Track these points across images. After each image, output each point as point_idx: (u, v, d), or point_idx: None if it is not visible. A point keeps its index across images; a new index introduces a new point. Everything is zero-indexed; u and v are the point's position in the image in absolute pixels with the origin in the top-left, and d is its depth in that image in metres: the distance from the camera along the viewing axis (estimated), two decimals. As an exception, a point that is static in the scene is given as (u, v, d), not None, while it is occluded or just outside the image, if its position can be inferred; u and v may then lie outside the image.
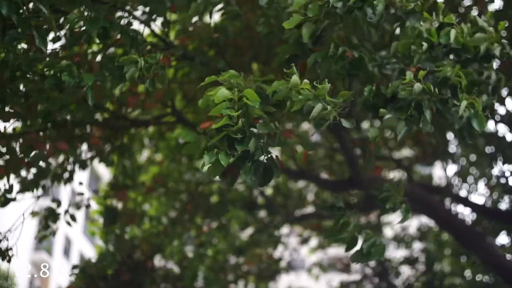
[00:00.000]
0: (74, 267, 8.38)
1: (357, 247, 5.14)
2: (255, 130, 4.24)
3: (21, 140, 6.56)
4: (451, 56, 5.12)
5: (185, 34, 7.60)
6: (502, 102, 8.61)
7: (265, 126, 4.30)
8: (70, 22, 5.28)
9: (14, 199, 6.79)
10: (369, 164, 6.55)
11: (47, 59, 5.66)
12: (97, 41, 5.78)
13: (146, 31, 7.00)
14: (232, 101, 4.21)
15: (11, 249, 6.27)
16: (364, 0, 4.73)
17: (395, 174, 12.50)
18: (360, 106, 5.09)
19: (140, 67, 5.15)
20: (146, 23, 6.55)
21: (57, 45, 5.96)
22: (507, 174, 10.24)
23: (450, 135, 10.85)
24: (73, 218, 8.05)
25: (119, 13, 6.20)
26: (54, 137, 6.78)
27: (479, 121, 4.75)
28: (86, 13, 5.58)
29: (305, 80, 4.33)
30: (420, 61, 4.98)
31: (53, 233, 8.15)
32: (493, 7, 8.15)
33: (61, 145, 6.75)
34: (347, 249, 5.17)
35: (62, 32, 6.20)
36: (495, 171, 10.36)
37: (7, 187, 6.62)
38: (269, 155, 4.33)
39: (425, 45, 4.91)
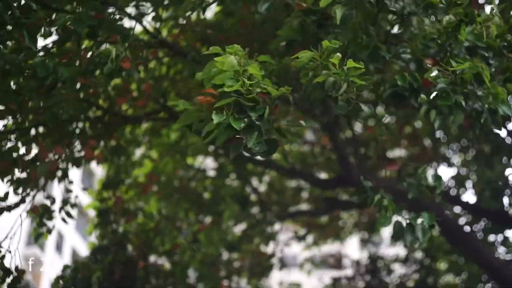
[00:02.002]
0: (65, 267, 8.25)
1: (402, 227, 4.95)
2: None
3: (12, 138, 6.54)
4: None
5: (178, 29, 7.58)
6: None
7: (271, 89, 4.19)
8: (59, 22, 5.25)
9: (9, 209, 6.77)
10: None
11: (40, 54, 5.65)
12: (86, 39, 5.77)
13: (139, 28, 6.99)
14: (237, 72, 4.08)
15: (23, 271, 6.26)
16: None
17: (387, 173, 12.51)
18: (387, 95, 4.94)
19: (111, 58, 5.09)
20: (138, 19, 6.52)
21: (49, 40, 5.95)
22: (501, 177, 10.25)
23: (449, 138, 10.89)
24: (69, 215, 8.02)
25: (110, 9, 6.18)
26: (45, 134, 6.76)
27: (507, 105, 4.76)
28: (77, 10, 5.57)
29: (338, 54, 4.20)
30: (440, 55, 4.93)
31: (50, 231, 8.09)
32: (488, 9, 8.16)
33: (57, 149, 6.73)
34: (395, 237, 5.00)
35: (53, 29, 6.20)
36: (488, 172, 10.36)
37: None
38: (273, 125, 4.19)
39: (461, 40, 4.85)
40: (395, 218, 4.93)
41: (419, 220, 4.93)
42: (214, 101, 4.10)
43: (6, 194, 6.66)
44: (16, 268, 6.25)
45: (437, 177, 5.25)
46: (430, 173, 5.25)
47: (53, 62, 5.44)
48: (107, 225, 9.60)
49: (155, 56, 5.59)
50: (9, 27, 4.82)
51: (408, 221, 4.92)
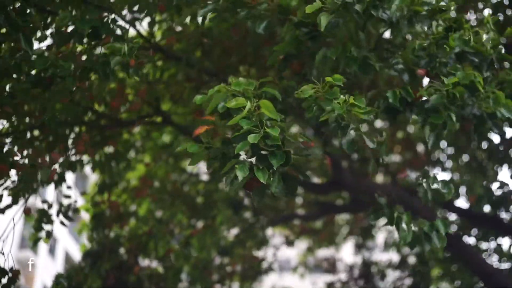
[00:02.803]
0: (59, 276, 8.19)
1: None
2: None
3: (8, 141, 6.54)
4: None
5: (172, 33, 7.59)
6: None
7: (293, 138, 4.24)
8: (59, 22, 5.24)
9: (2, 211, 6.76)
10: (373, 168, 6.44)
11: (35, 57, 5.65)
12: (86, 40, 5.75)
13: (133, 33, 7.00)
14: (249, 111, 4.11)
15: (18, 272, 6.26)
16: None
17: (382, 179, 12.55)
18: (382, 110, 4.99)
19: (123, 52, 5.08)
20: (132, 23, 6.54)
21: (44, 44, 5.96)
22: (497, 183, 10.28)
23: (443, 143, 10.90)
24: (68, 218, 8.02)
25: (105, 14, 6.19)
26: (41, 138, 6.76)
27: (508, 106, 4.79)
28: (74, 13, 5.57)
29: (336, 89, 4.26)
30: (431, 64, 4.96)
31: (49, 235, 8.07)
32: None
33: (54, 156, 6.73)
34: (411, 246, 5.06)
35: (48, 32, 6.20)
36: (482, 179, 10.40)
37: None
38: (290, 165, 4.18)
39: (447, 49, 4.89)
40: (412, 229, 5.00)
41: (435, 229, 5.04)
42: (214, 128, 4.21)
43: (0, 197, 6.65)
44: (11, 269, 6.25)
45: (446, 183, 5.29)
46: (438, 179, 5.32)
47: (52, 56, 5.43)
48: (101, 229, 9.60)
49: (147, 59, 5.58)
50: (4, 30, 4.82)
51: (425, 231, 5.01)
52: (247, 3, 5.33)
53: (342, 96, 4.28)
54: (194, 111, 7.69)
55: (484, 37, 5.02)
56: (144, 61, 5.50)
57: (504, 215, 10.35)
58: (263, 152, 4.04)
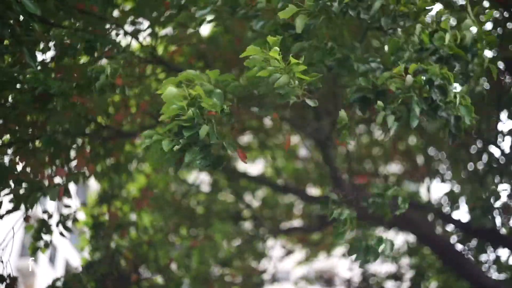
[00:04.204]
0: (56, 280, 8.24)
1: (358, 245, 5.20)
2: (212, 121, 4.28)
3: (10, 151, 6.58)
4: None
5: (174, 46, 7.66)
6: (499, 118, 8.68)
7: (214, 105, 4.33)
8: (57, 37, 5.32)
9: (1, 216, 6.79)
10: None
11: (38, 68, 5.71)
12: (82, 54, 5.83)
13: (135, 45, 7.06)
14: (183, 96, 4.29)
15: (15, 278, 6.29)
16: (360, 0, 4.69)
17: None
18: (354, 99, 5.01)
19: (106, 74, 5.18)
20: (134, 35, 6.60)
21: (48, 55, 6.02)
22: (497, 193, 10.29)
23: (443, 155, 10.93)
24: (67, 229, 8.04)
25: (107, 25, 6.26)
26: (42, 148, 6.79)
27: (469, 110, 4.81)
28: (75, 25, 5.63)
29: (275, 48, 4.30)
30: (408, 62, 4.97)
31: (47, 245, 8.10)
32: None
33: (59, 172, 6.78)
34: (350, 253, 5.22)
35: (51, 43, 6.27)
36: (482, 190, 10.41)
37: None
38: (223, 140, 4.34)
39: (415, 45, 4.91)
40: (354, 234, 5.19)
41: (374, 243, 5.19)
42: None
43: (0, 203, 6.67)
44: (9, 275, 6.28)
45: (404, 200, 5.38)
46: (402, 193, 5.41)
47: (45, 74, 5.52)
48: (101, 238, 9.61)
49: (144, 71, 5.69)
50: (7, 42, 4.87)
51: (364, 242, 5.17)
52: (246, 3, 5.43)
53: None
54: None
55: (468, 35, 5.02)
56: (143, 76, 5.58)
57: (502, 227, 10.36)
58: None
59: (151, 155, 4.43)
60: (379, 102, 4.68)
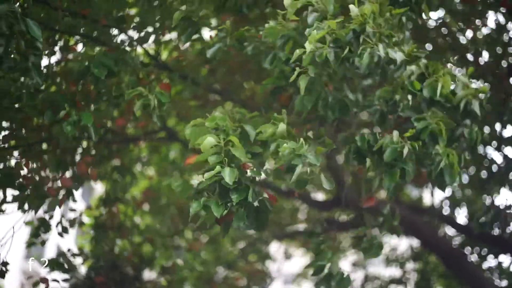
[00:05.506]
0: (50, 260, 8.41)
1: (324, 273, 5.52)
2: (247, 175, 4.30)
3: (15, 154, 6.65)
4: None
5: (178, 52, 7.72)
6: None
7: (256, 172, 4.39)
8: (77, 68, 5.41)
9: (2, 211, 6.86)
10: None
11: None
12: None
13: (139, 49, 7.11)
14: (218, 147, 4.27)
15: (7, 263, 6.33)
16: (352, 52, 4.68)
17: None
18: (346, 153, 5.09)
19: (150, 104, 5.30)
20: (140, 42, 6.66)
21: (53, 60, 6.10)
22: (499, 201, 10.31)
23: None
24: (65, 230, 8.12)
25: (114, 32, 6.33)
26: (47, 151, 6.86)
27: (452, 173, 4.83)
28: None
29: (282, 124, 4.42)
30: (403, 110, 5.02)
31: (43, 243, 8.22)
32: (485, 31, 8.32)
33: (64, 181, 6.85)
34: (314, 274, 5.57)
35: (57, 48, 6.34)
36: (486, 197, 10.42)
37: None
38: (261, 198, 4.35)
39: (408, 96, 4.96)
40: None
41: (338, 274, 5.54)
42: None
43: (3, 200, 6.72)
44: (2, 262, 6.34)
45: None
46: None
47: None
48: (104, 240, 9.67)
49: (168, 89, 5.76)
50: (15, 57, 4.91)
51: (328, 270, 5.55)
52: (254, 37, 5.49)
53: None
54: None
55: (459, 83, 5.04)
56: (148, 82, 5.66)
57: (504, 233, 10.36)
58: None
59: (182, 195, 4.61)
60: (369, 164, 4.82)
